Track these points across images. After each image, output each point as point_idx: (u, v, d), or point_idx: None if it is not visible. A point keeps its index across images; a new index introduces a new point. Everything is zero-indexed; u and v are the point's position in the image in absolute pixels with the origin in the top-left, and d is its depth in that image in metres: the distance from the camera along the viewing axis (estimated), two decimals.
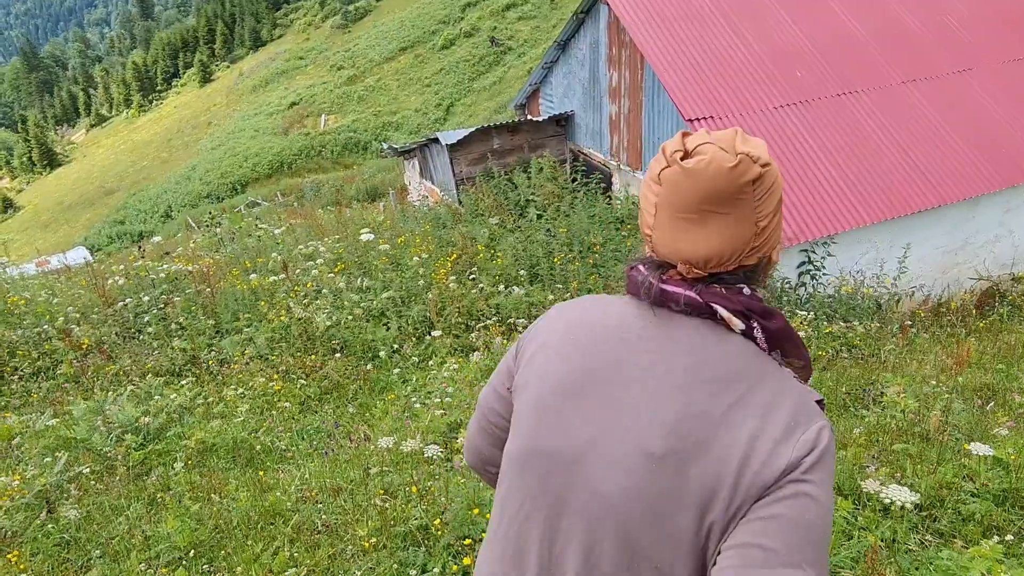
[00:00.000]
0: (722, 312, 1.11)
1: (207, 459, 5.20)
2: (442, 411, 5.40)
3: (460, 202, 10.96)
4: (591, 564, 1.11)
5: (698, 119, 8.16)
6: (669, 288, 1.13)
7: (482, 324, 6.99)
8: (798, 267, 8.06)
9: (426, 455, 3.82)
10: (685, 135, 1.13)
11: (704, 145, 1.08)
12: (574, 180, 10.85)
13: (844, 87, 8.85)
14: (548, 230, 9.13)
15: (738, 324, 1.11)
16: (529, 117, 12.23)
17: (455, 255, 8.13)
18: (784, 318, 1.15)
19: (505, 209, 10.12)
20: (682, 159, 1.08)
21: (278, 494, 4.33)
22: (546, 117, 11.46)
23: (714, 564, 1.03)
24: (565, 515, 1.13)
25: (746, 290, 1.14)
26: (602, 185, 10.63)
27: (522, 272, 8.02)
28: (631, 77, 9.47)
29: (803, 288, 7.99)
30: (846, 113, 8.61)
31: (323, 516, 3.97)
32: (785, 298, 7.63)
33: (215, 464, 5.11)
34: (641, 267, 1.19)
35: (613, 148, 10.47)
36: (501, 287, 7.67)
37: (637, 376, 1.12)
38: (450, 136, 10.98)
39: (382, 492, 4.04)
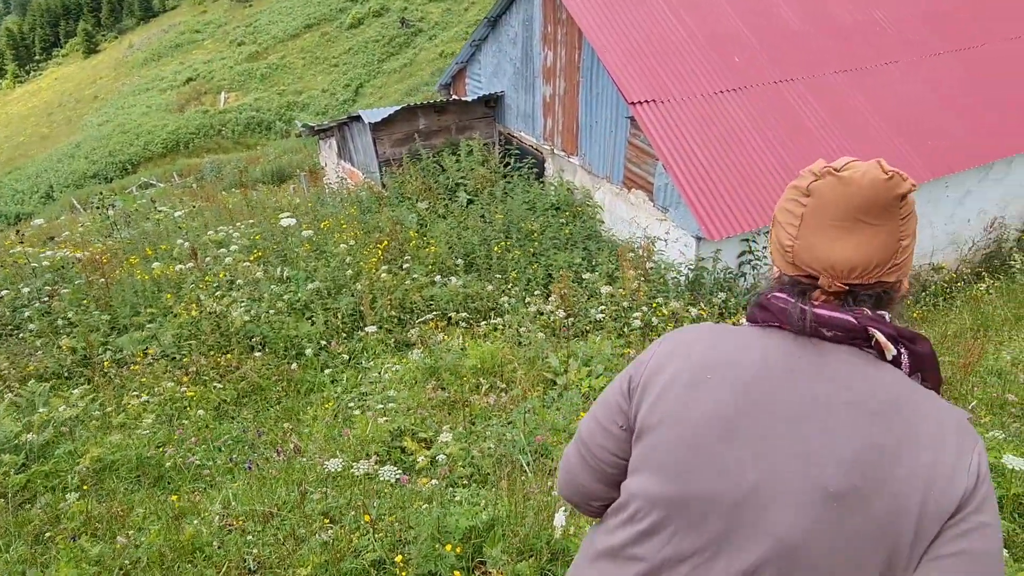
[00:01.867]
0: (879, 336, 1.10)
1: (106, 481, 4.44)
2: (384, 418, 4.83)
3: (384, 185, 10.27)
4: None
5: (641, 102, 7.85)
6: (825, 312, 1.12)
7: (420, 319, 6.43)
8: (739, 257, 7.91)
9: (382, 477, 3.27)
10: (816, 163, 1.18)
11: (854, 162, 1.13)
12: (506, 164, 10.37)
13: (781, 75, 8.77)
14: (483, 216, 8.63)
15: (892, 350, 1.11)
16: (455, 97, 11.64)
17: (385, 242, 7.51)
18: (930, 342, 1.14)
19: (434, 193, 9.53)
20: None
21: (196, 523, 3.67)
22: (475, 97, 10.90)
23: None
24: (739, 559, 1.10)
25: (888, 318, 1.15)
26: (535, 170, 10.22)
27: (458, 261, 7.50)
28: (567, 56, 9.06)
29: (743, 278, 7.85)
30: (783, 101, 8.52)
31: (254, 551, 3.36)
32: (727, 287, 7.47)
33: (116, 487, 4.36)
34: (780, 294, 1.18)
35: (547, 131, 10.06)
36: (436, 277, 7.12)
37: (799, 412, 1.10)
38: (373, 114, 10.26)
39: (325, 520, 3.47)
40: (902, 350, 1.12)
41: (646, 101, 7.88)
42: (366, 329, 6.19)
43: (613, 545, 1.26)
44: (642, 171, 8.29)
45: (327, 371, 6.00)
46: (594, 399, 5.38)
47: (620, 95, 8.06)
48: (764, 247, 7.73)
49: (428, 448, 4.75)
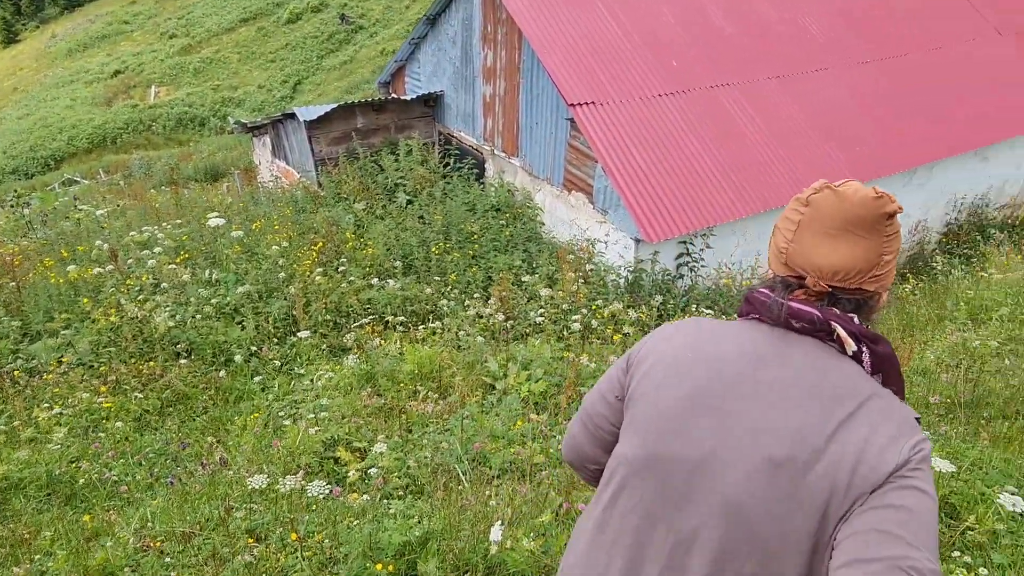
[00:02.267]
0: (840, 331, 1.23)
1: (11, 500, 4.14)
2: (316, 428, 4.65)
3: (320, 185, 10.00)
4: (721, 560, 1.21)
5: (581, 104, 7.84)
6: (796, 305, 1.26)
7: (357, 323, 6.24)
8: (676, 259, 7.98)
9: (311, 493, 3.11)
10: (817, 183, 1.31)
11: (851, 182, 1.26)
12: (445, 165, 10.23)
13: (716, 80, 8.90)
14: (422, 217, 8.48)
15: (851, 345, 1.23)
16: (394, 96, 11.43)
17: (320, 244, 7.29)
18: (890, 345, 1.26)
19: (372, 193, 9.32)
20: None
21: (109, 544, 3.44)
22: (414, 96, 10.73)
23: (830, 558, 1.12)
24: (689, 515, 1.25)
25: (856, 320, 1.27)
26: (475, 171, 10.11)
27: (396, 263, 7.33)
28: (507, 57, 8.99)
29: (682, 280, 7.93)
30: (719, 105, 8.65)
31: (172, 574, 3.16)
32: (665, 289, 7.52)
33: (23, 507, 4.06)
34: (764, 290, 1.34)
35: (487, 132, 9.97)
36: (374, 280, 6.94)
37: (759, 391, 1.25)
38: (309, 112, 9.97)
39: (251, 539, 3.29)
40: (864, 348, 1.24)
41: (586, 103, 7.88)
42: (299, 334, 5.98)
43: (595, 512, 1.42)
44: (582, 173, 8.28)
45: (257, 378, 5.77)
46: (534, 403, 5.31)
47: (560, 96, 8.04)
48: (701, 249, 7.82)
49: (362, 458, 4.59)
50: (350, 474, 3.83)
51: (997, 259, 8.30)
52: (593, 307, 6.62)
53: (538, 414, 5.12)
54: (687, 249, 7.86)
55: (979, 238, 10.37)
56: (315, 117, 9.83)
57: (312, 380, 5.48)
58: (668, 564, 1.27)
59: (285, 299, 6.54)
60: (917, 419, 1.22)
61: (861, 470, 1.13)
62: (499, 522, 2.83)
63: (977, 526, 3.15)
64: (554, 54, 8.12)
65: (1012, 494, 2.84)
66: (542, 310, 6.30)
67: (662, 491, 1.29)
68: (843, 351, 1.25)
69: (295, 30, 51.22)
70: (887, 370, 1.26)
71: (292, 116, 10.38)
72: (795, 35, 10.03)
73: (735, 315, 1.51)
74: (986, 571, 2.76)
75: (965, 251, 9.85)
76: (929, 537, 1.08)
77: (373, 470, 4.03)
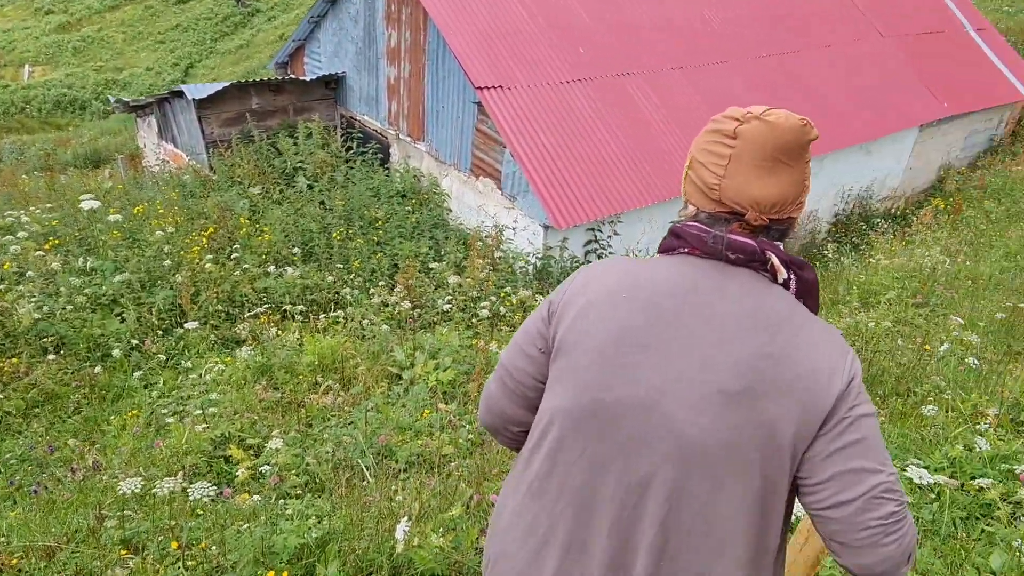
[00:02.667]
0: (774, 260, 1.24)
1: None
2: (204, 425, 4.28)
3: (212, 168, 9.38)
4: (677, 498, 1.20)
5: (488, 87, 7.66)
6: (736, 238, 1.24)
7: (251, 312, 5.84)
8: (585, 246, 7.96)
9: (193, 495, 2.80)
10: (730, 110, 1.32)
11: (773, 109, 1.25)
12: (348, 149, 9.82)
13: (623, 68, 8.93)
14: (323, 203, 8.08)
15: (783, 273, 1.24)
16: (293, 76, 10.88)
17: (211, 229, 6.79)
18: (814, 270, 1.28)
19: (269, 177, 8.81)
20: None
21: None
22: (314, 77, 10.23)
23: (812, 489, 1.19)
24: (645, 457, 1.21)
25: (781, 247, 1.28)
26: (379, 156, 9.75)
27: (295, 250, 6.93)
28: (412, 38, 8.69)
29: None
30: (625, 94, 8.68)
31: None
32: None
33: None
34: (694, 223, 1.30)
35: (391, 115, 9.63)
36: (271, 267, 6.53)
37: (700, 325, 1.22)
38: (198, 90, 9.31)
39: (124, 550, 2.93)
40: (791, 275, 1.26)
41: (493, 87, 7.71)
42: (187, 325, 5.52)
43: (531, 469, 1.35)
44: (490, 159, 8.11)
45: (138, 374, 5.29)
46: (442, 392, 5.11)
47: (467, 80, 7.83)
48: (609, 236, 7.82)
49: (257, 456, 4.26)
50: (239, 473, 3.50)
51: (883, 246, 8.74)
52: (502, 294, 6.47)
53: (447, 403, 4.92)
54: (595, 236, 7.85)
55: (865, 227, 10.93)
56: (205, 96, 9.19)
57: (201, 374, 5.07)
58: (619, 515, 1.23)
59: (171, 288, 6.04)
60: (841, 335, 1.28)
61: (813, 395, 1.17)
62: (405, 518, 2.62)
63: None
64: (460, 36, 7.90)
65: (917, 467, 2.88)
66: (450, 298, 6.10)
67: (607, 439, 1.24)
68: (774, 279, 1.26)
69: (186, 10, 48.49)
70: (809, 293, 1.28)
71: (180, 95, 9.68)
72: (698, 27, 10.22)
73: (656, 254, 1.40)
74: None
75: (853, 240, 10.35)
76: (882, 451, 1.19)
77: (267, 468, 3.72)
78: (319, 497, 3.64)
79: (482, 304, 5.98)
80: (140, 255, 6.35)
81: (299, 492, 3.72)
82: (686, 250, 1.29)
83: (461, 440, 4.28)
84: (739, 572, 1.22)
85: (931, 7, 14.22)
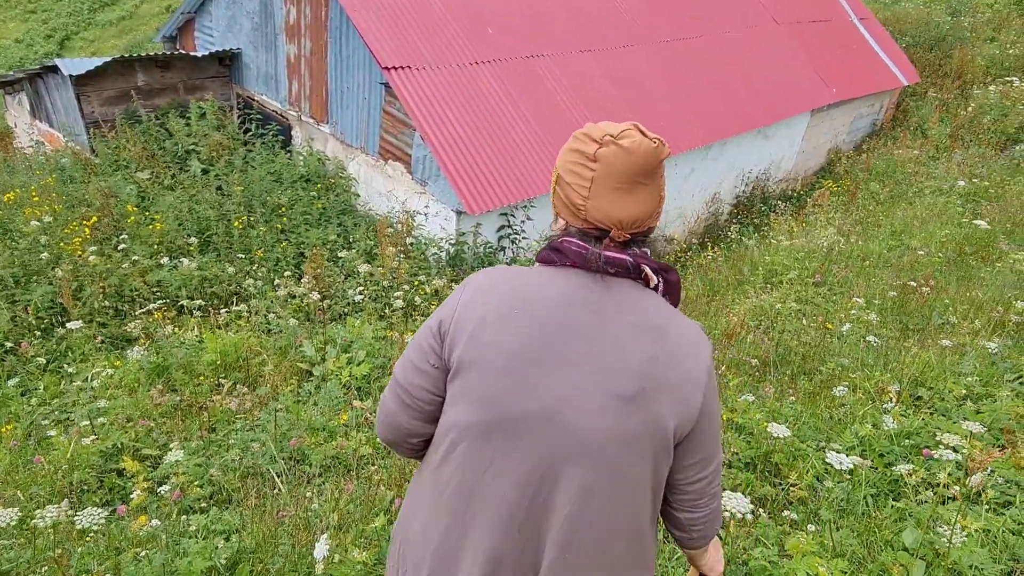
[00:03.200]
0: (647, 270, 1.39)
1: None
2: (93, 436, 3.91)
3: (94, 151, 8.65)
4: (584, 498, 1.32)
5: (395, 68, 7.37)
6: (612, 254, 1.37)
7: (143, 308, 5.40)
8: (498, 231, 7.85)
9: (79, 523, 2.51)
10: (589, 127, 1.40)
11: (628, 131, 1.34)
12: (246, 131, 9.27)
13: (532, 50, 8.82)
14: (220, 188, 7.59)
15: (654, 280, 1.40)
16: (183, 51, 10.15)
17: (93, 218, 6.24)
18: (676, 271, 1.43)
19: (159, 161, 8.20)
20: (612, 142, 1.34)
21: None
22: (206, 53, 9.58)
23: (675, 472, 1.44)
24: (550, 462, 1.32)
25: (648, 254, 1.43)
26: (280, 138, 9.26)
27: (191, 239, 6.47)
28: (313, 13, 8.25)
29: (503, 252, 7.82)
30: (535, 76, 8.59)
31: None
32: (488, 263, 7.37)
33: None
34: (573, 240, 1.40)
35: (292, 96, 9.15)
36: (164, 259, 6.07)
37: (593, 336, 1.34)
38: (75, 65, 8.52)
39: None
40: (660, 279, 1.40)
41: (401, 67, 7.43)
42: (69, 325, 5.05)
43: (440, 481, 1.40)
44: (399, 142, 7.85)
45: (14, 381, 4.79)
46: (357, 388, 4.90)
47: (373, 59, 7.52)
48: (522, 221, 7.75)
49: (155, 467, 3.94)
50: (135, 491, 3.21)
51: (782, 227, 9.08)
52: (416, 283, 6.29)
53: (362, 400, 4.72)
54: (508, 221, 7.75)
55: (764, 209, 11.35)
56: (84, 71, 8.43)
57: (88, 379, 4.64)
58: (528, 517, 1.33)
59: (50, 284, 5.51)
60: (702, 328, 1.45)
61: (689, 393, 1.35)
62: (324, 535, 2.44)
63: (799, 482, 3.29)
64: (365, 12, 7.57)
65: (836, 452, 2.94)
66: (361, 288, 5.86)
67: (514, 449, 1.32)
68: (647, 285, 1.39)
69: None
70: (672, 292, 1.42)
71: (55, 70, 8.85)
72: (605, 13, 10.24)
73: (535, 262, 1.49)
74: (813, 527, 2.86)
75: (755, 221, 10.73)
76: (720, 435, 1.45)
77: (165, 488, 3.43)
78: (226, 510, 3.40)
79: (395, 294, 5.77)
80: (13, 247, 5.76)
81: (203, 506, 3.45)
82: (568, 263, 1.38)
83: (379, 439, 4.11)
84: (632, 547, 1.40)
85: None
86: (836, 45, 14.13)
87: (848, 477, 3.04)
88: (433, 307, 5.98)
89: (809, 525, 2.89)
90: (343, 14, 7.79)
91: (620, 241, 1.37)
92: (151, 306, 5.28)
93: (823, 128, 13.60)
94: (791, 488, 3.28)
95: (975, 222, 7.81)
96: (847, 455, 3.09)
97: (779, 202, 11.65)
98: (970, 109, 14.28)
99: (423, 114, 7.26)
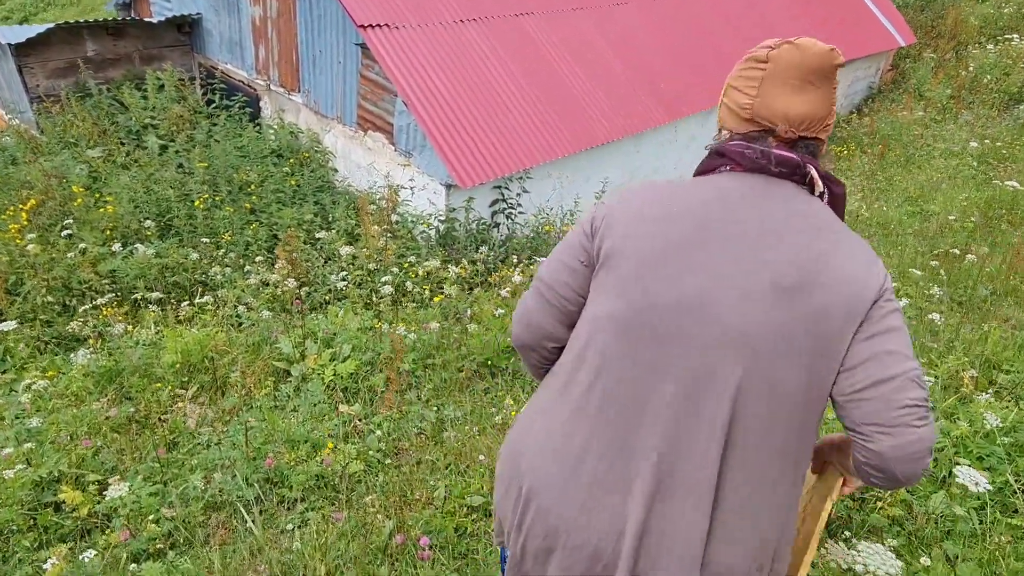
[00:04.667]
0: (814, 173, 1.32)
1: None
2: (25, 462, 3.22)
3: (41, 128, 7.82)
4: (741, 398, 1.23)
5: (372, 26, 6.62)
6: (779, 152, 1.31)
7: (92, 304, 4.68)
8: (491, 206, 7.18)
9: None
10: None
11: (802, 38, 1.33)
12: (209, 103, 8.47)
13: (520, 7, 8.09)
14: (181, 165, 6.83)
15: (821, 186, 1.33)
16: (136, 18, 9.28)
17: (32, 202, 5.48)
18: (844, 186, 1.37)
19: (112, 138, 7.40)
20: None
21: None
22: (162, 19, 8.73)
23: (849, 372, 1.24)
24: (701, 356, 1.24)
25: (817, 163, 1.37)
26: (247, 110, 8.47)
27: (148, 223, 5.73)
28: None
29: (497, 228, 7.15)
30: (525, 35, 7.88)
31: None
32: (481, 239, 6.70)
33: None
34: (735, 142, 1.35)
35: (260, 63, 8.35)
36: (116, 246, 5.33)
37: (749, 226, 1.28)
38: (14, 33, 7.66)
39: None
40: (825, 188, 1.34)
41: (379, 25, 6.68)
42: (1, 326, 4.32)
43: (576, 383, 1.34)
44: (379, 109, 7.12)
45: None
46: (342, 389, 4.24)
47: (348, 17, 6.76)
48: (518, 194, 7.08)
49: (102, 494, 3.27)
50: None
51: None
52: (405, 265, 5.61)
53: (349, 403, 4.07)
54: (502, 195, 7.08)
55: None
56: (23, 40, 7.58)
57: (21, 390, 3.93)
58: (676, 419, 1.24)
59: None
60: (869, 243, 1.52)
61: (855, 290, 1.24)
62: None
63: (886, 496, 2.69)
64: None
65: (966, 468, 2.34)
66: (344, 273, 5.17)
67: (661, 341, 1.26)
68: (811, 191, 1.33)
69: None
70: (837, 206, 1.36)
71: None
72: None
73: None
74: (927, 559, 2.27)
75: None
76: (910, 345, 1.26)
77: (114, 515, 2.76)
78: (186, 553, 2.75)
79: (383, 279, 5.10)
80: None
81: (159, 547, 2.80)
82: (728, 168, 1.35)
83: (372, 451, 3.47)
84: (788, 475, 1.28)
85: None
86: (833, 5, 13.50)
87: (977, 499, 2.45)
88: (427, 291, 5.33)
89: (923, 558, 2.30)
90: None
91: (786, 140, 1.33)
92: (99, 300, 4.56)
93: None
94: (878, 505, 2.69)
95: (1007, 183, 7.26)
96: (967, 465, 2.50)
97: None
98: (971, 69, 13.76)
99: (405, 78, 6.53)
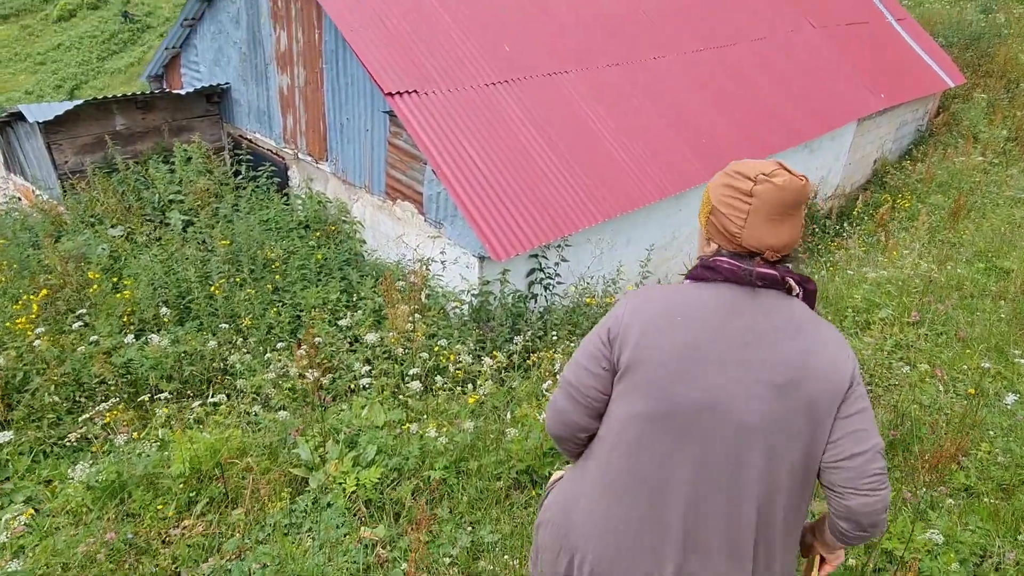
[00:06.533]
0: (791, 281, 1.61)
1: None
2: None
3: (67, 206, 7.69)
4: (747, 473, 1.55)
5: (400, 93, 6.35)
6: (763, 270, 1.59)
7: (96, 409, 4.31)
8: (528, 276, 6.75)
9: None
10: (738, 165, 1.65)
11: (777, 170, 1.58)
12: (237, 174, 8.29)
13: (554, 67, 7.80)
14: (203, 242, 6.57)
15: (796, 289, 1.61)
16: (166, 90, 9.25)
17: (43, 291, 5.21)
18: (815, 283, 1.66)
19: (136, 214, 7.22)
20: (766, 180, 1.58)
21: None
22: (191, 90, 8.65)
23: (831, 444, 1.57)
24: (715, 444, 1.55)
25: (790, 268, 1.66)
26: (276, 180, 8.27)
27: (164, 309, 5.42)
28: (306, 38, 7.29)
29: (534, 301, 6.70)
30: (560, 95, 7.56)
31: None
32: (517, 312, 6.24)
33: None
34: (724, 259, 1.62)
35: (288, 132, 8.17)
36: (130, 337, 5.01)
37: (746, 335, 1.57)
38: (42, 110, 7.60)
39: None
40: (800, 289, 1.63)
41: (406, 92, 6.41)
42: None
43: (611, 470, 1.66)
44: (408, 178, 6.81)
45: None
46: (365, 502, 3.76)
47: (375, 85, 6.51)
48: (556, 263, 6.64)
49: None
50: None
51: (851, 253, 7.91)
52: (435, 348, 5.18)
53: (372, 519, 3.60)
54: (539, 264, 6.65)
55: (817, 230, 10.19)
56: (52, 117, 7.51)
57: (15, 512, 3.54)
58: (703, 496, 1.57)
59: None
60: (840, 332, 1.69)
61: (834, 379, 1.55)
62: None
63: None
64: (363, 33, 6.58)
65: None
66: (369, 367, 4.75)
67: (683, 436, 1.56)
68: (789, 293, 1.61)
69: (68, 29, 44.93)
70: (811, 299, 1.64)
71: (23, 117, 7.94)
72: (631, 21, 9.22)
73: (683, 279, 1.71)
74: None
75: (810, 246, 9.56)
76: (874, 420, 1.59)
77: None
78: None
79: (412, 369, 4.66)
80: None
81: None
82: (720, 279, 1.61)
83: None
84: (792, 545, 1.67)
85: None
86: (877, 48, 13.04)
87: None
88: (460, 377, 4.88)
89: None
90: (339, 37, 6.81)
91: (770, 260, 1.60)
92: (102, 406, 4.19)
93: (869, 138, 12.47)
94: None
95: None
96: None
97: (828, 220, 10.48)
98: None
99: (434, 144, 6.22)
